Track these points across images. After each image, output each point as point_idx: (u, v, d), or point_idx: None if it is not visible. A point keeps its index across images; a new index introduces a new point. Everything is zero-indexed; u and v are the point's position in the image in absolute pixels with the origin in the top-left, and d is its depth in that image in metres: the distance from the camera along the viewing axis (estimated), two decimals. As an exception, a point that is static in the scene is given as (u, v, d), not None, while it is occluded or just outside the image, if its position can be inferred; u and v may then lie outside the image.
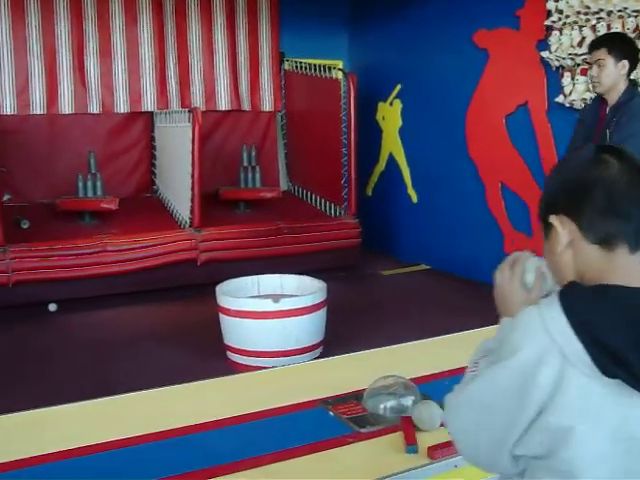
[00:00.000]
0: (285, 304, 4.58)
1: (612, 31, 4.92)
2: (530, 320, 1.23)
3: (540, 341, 1.19)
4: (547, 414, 1.19)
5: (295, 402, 2.23)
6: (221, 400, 2.33)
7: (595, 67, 4.08)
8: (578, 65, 5.55)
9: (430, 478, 1.81)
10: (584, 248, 1.30)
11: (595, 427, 1.18)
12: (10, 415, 2.23)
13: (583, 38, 5.46)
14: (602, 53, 4.05)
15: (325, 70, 7.60)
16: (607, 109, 4.14)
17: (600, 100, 4.22)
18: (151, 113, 7.84)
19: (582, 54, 5.44)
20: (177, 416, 2.16)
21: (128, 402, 2.38)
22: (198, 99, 7.94)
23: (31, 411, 2.27)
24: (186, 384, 2.53)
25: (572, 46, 5.54)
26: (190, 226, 6.78)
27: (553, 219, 1.32)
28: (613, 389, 1.17)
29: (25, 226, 6.47)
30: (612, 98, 4.10)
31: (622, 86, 4.08)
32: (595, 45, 4.15)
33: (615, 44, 4.09)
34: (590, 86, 4.30)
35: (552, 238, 1.34)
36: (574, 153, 1.42)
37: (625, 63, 4.05)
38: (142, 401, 2.39)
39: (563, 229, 1.31)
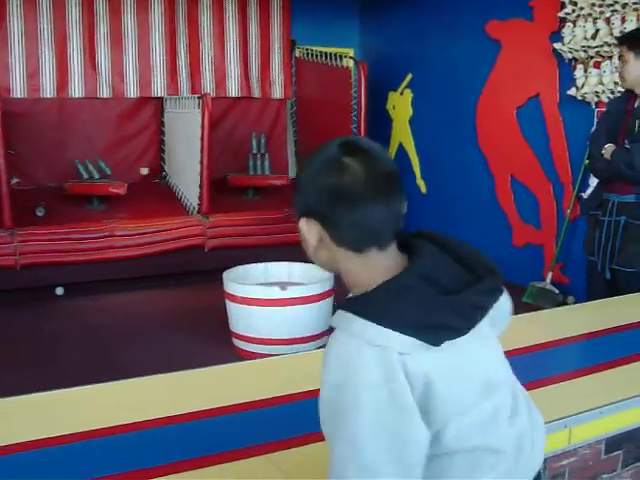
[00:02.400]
0: (292, 292, 4.58)
1: (635, 27, 4.89)
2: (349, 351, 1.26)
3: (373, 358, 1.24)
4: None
5: (302, 390, 2.22)
6: (227, 387, 2.33)
7: (620, 63, 4.11)
8: (591, 58, 5.51)
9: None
10: (335, 249, 1.37)
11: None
12: (17, 398, 2.24)
13: (597, 30, 5.42)
14: (623, 49, 4.06)
15: (336, 58, 7.57)
16: (636, 102, 4.10)
17: (629, 93, 4.17)
18: (161, 99, 7.83)
19: (595, 46, 5.41)
20: (182, 403, 2.16)
21: (132, 388, 2.37)
22: (208, 85, 7.91)
23: (37, 394, 2.27)
24: (192, 370, 2.52)
25: (585, 38, 5.49)
26: (198, 212, 6.78)
27: (302, 221, 1.37)
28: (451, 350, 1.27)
29: (40, 214, 6.48)
30: None
31: None
32: (618, 41, 4.19)
33: (635, 40, 4.05)
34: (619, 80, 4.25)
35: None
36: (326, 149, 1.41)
37: None
38: (147, 387, 2.39)
39: (310, 232, 1.37)
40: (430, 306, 1.27)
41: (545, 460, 2.01)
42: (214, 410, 2.09)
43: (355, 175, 1.32)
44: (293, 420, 2.03)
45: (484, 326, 1.35)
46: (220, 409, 2.10)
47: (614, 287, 4.12)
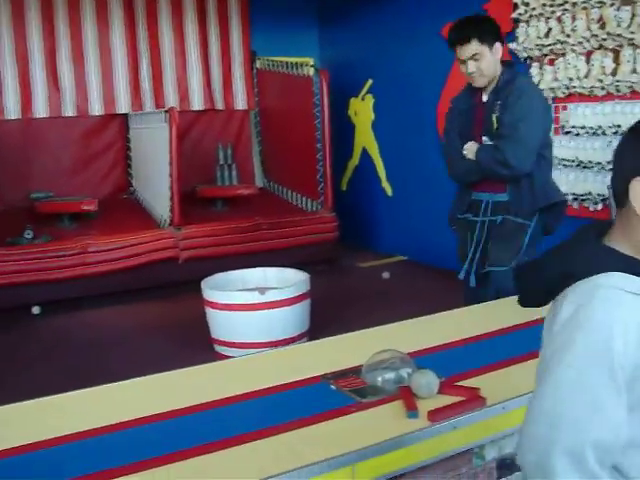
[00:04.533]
0: (271, 296, 4.69)
1: (466, 16, 3.96)
2: None
3: None
4: None
5: (296, 379, 2.33)
6: (222, 381, 2.41)
7: (471, 62, 3.66)
8: (545, 55, 5.71)
9: (431, 439, 1.94)
10: None
11: None
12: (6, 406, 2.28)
13: (549, 29, 5.62)
14: (475, 46, 3.64)
15: (297, 67, 7.71)
16: (483, 94, 3.80)
17: (473, 87, 3.84)
18: (126, 115, 7.90)
19: (548, 44, 5.61)
20: (183, 397, 2.25)
21: (113, 391, 2.41)
22: (172, 100, 8.00)
23: (20, 403, 2.30)
24: (186, 369, 2.61)
25: (539, 37, 5.69)
26: (170, 225, 6.85)
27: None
28: None
29: (29, 236, 6.52)
30: (491, 84, 3.76)
31: (499, 69, 3.74)
32: (461, 39, 3.67)
33: (484, 31, 3.68)
34: (472, 81, 3.77)
35: None
36: None
37: (498, 46, 3.70)
38: (128, 390, 2.43)
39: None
40: None
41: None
42: (216, 402, 2.19)
43: None
44: (295, 405, 2.15)
45: None
46: (221, 400, 2.20)
47: (480, 293, 3.76)
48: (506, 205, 3.74)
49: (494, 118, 3.70)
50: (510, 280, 3.26)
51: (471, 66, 3.66)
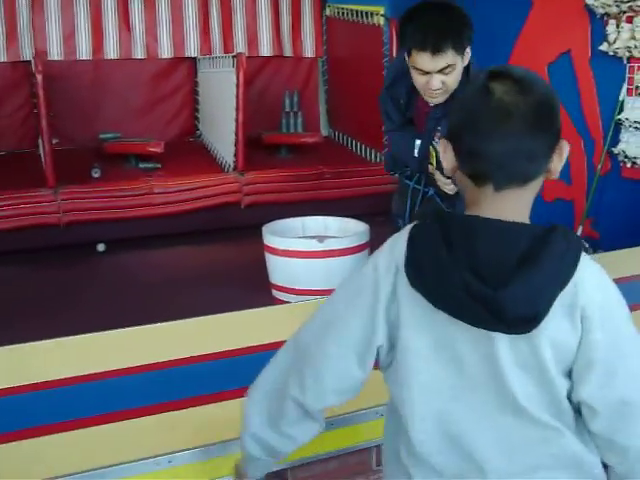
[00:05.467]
0: (330, 244, 4.74)
1: (433, 6, 3.19)
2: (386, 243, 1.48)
3: (386, 256, 1.44)
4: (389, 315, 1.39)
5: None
6: (273, 325, 2.46)
7: (438, 77, 2.91)
8: (624, 12, 5.53)
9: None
10: (463, 177, 1.39)
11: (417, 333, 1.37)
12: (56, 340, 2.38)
13: (629, -15, 5.45)
14: (450, 57, 2.91)
15: (367, 16, 7.61)
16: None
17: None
18: (194, 59, 7.96)
19: (628, 1, 5.43)
20: (236, 338, 2.31)
21: (165, 331, 2.55)
22: (240, 45, 8.01)
23: (77, 336, 2.42)
24: (240, 311, 2.66)
25: (618, -7, 5.53)
26: (234, 170, 6.92)
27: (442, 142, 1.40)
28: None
29: (96, 175, 6.68)
30: None
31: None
32: (433, 48, 2.87)
33: (461, 35, 3.00)
34: (428, 98, 3.08)
35: None
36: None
37: (468, 50, 3.07)
38: (185, 329, 2.57)
39: (445, 153, 1.40)
40: None
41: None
42: (273, 344, 2.24)
43: (491, 101, 1.27)
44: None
45: None
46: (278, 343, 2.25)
47: None
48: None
49: (432, 151, 3.13)
50: None
51: (437, 81, 2.92)
